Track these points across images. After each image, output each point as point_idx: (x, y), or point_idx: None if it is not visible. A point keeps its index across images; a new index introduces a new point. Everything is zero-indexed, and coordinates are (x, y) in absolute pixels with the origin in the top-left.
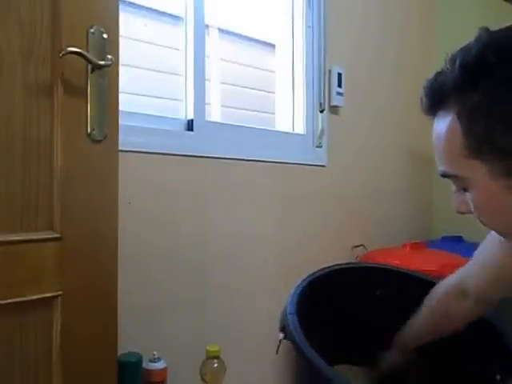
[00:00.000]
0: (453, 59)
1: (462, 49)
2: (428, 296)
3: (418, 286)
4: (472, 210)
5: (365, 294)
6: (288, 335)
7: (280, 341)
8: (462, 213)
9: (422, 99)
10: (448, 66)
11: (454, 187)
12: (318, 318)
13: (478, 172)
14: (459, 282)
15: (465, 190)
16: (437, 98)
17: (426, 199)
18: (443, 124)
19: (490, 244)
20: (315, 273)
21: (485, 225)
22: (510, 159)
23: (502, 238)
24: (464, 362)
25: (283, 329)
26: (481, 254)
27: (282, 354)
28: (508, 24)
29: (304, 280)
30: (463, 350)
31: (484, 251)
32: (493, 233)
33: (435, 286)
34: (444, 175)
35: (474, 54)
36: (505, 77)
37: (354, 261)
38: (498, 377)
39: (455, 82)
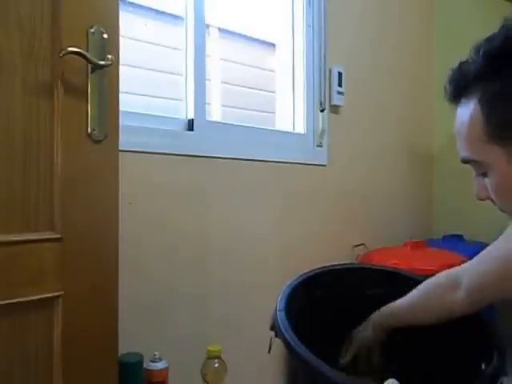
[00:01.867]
0: (477, 48)
1: (486, 38)
2: (422, 283)
3: (409, 285)
4: (491, 195)
5: (356, 293)
6: (277, 332)
7: (271, 339)
8: (482, 199)
9: (445, 87)
10: (472, 56)
11: (474, 173)
12: (309, 317)
13: (497, 156)
14: (455, 275)
15: (484, 175)
16: (460, 86)
17: (427, 198)
18: (466, 110)
19: (493, 249)
20: (306, 273)
21: (503, 211)
22: None
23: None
24: (448, 352)
25: (273, 327)
26: (485, 256)
27: (280, 353)
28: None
29: (295, 280)
30: (448, 341)
31: (489, 254)
32: (503, 236)
33: (433, 276)
34: (464, 161)
35: (497, 42)
36: None
37: (354, 260)
38: (483, 366)
39: (478, 69)
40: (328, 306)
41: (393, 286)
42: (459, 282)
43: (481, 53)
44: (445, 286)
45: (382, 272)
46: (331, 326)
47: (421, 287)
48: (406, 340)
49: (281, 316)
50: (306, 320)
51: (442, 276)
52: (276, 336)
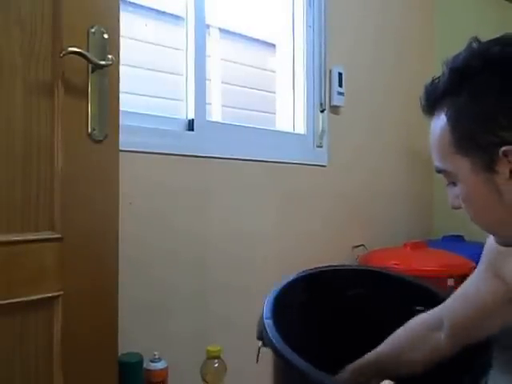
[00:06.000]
0: (446, 64)
1: (454, 55)
2: (403, 326)
3: (397, 287)
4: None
5: (339, 296)
6: (266, 341)
7: (259, 348)
8: (456, 207)
9: (420, 101)
10: (443, 71)
11: (446, 182)
12: (296, 322)
13: (463, 166)
14: (438, 314)
15: (454, 184)
16: (431, 100)
17: (427, 199)
18: (437, 123)
19: (476, 279)
20: (290, 276)
21: (472, 220)
22: (488, 155)
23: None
24: None
25: (261, 335)
26: (465, 287)
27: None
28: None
29: (279, 284)
30: None
31: (469, 285)
32: (481, 267)
33: (415, 317)
34: (437, 170)
35: (461, 59)
36: (487, 81)
37: (354, 261)
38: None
39: (445, 84)
40: (314, 308)
41: (379, 286)
42: (441, 321)
43: (448, 69)
44: (426, 329)
45: (367, 272)
46: (319, 327)
47: (402, 333)
48: None
49: (268, 324)
50: (293, 324)
51: (425, 317)
52: (264, 345)
